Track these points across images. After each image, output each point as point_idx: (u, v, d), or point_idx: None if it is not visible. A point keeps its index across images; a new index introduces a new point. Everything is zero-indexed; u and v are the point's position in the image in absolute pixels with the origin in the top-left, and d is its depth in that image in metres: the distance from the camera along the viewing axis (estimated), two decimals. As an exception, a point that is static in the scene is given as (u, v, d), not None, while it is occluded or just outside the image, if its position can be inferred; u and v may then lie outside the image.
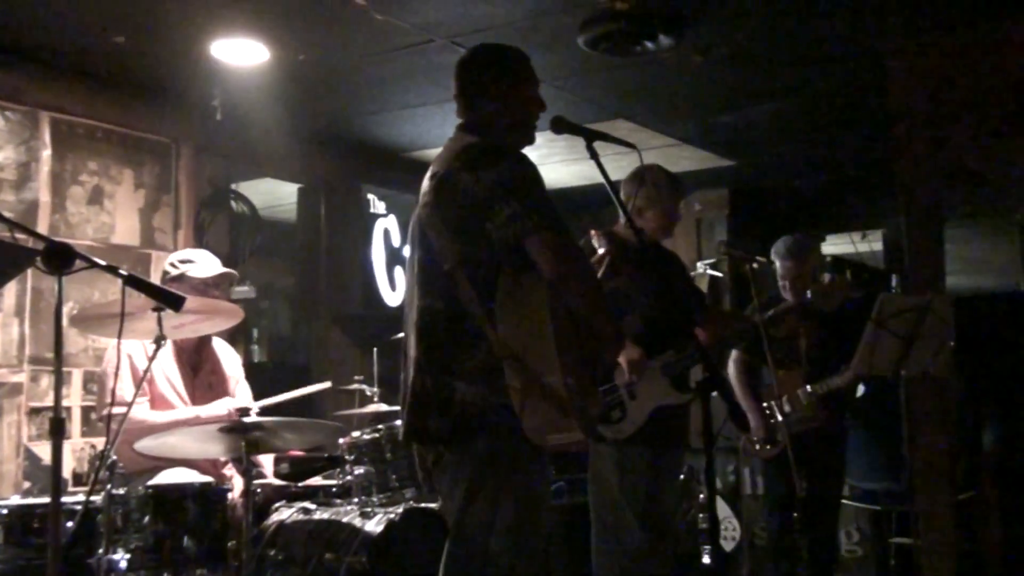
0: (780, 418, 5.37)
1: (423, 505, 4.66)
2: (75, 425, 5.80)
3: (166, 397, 4.72)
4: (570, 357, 3.03)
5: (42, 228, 5.58)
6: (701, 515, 7.13)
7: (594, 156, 3.32)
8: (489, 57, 3.51)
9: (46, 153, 5.77)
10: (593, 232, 4.44)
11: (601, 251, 4.37)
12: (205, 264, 4.85)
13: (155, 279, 5.49)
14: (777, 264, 5.60)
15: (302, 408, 4.97)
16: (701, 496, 7.10)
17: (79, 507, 3.89)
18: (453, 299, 3.12)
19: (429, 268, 3.24)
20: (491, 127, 3.40)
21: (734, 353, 5.77)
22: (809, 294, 5.41)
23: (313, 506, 4.79)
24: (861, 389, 6.49)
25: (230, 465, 4.86)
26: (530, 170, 3.17)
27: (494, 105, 3.42)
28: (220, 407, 4.71)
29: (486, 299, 3.06)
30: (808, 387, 5.39)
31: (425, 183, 3.33)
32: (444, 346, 3.13)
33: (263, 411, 4.92)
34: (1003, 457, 6.60)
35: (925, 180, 5.56)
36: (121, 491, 3.98)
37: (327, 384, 5.42)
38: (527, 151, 3.35)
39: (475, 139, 3.33)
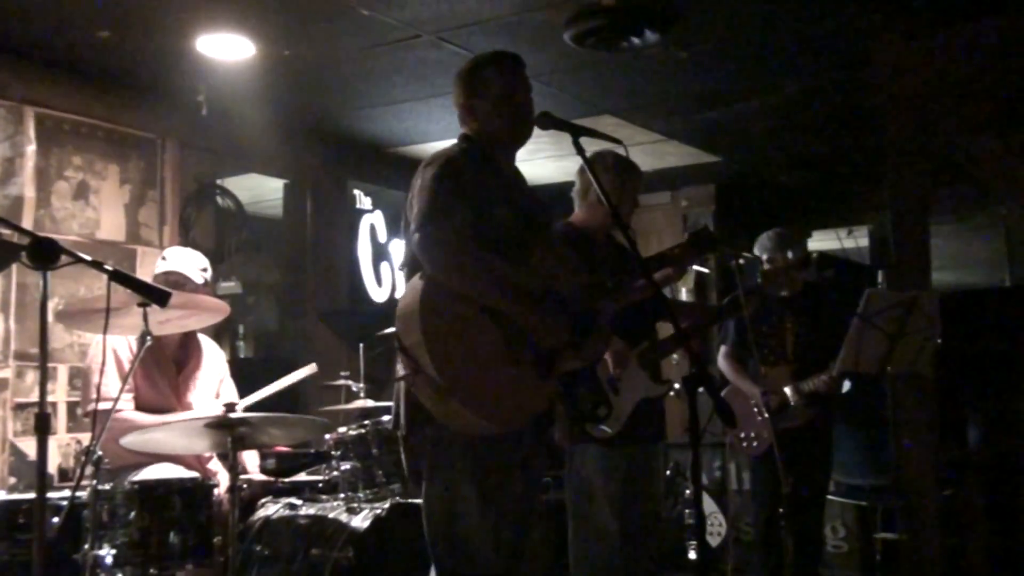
0: (767, 415, 5.37)
1: (409, 500, 4.66)
2: (60, 421, 5.79)
3: (151, 393, 4.71)
4: (468, 351, 3.14)
5: (27, 223, 5.56)
6: (687, 510, 7.16)
7: (580, 152, 3.33)
8: (466, 70, 3.59)
9: (31, 148, 5.75)
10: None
11: None
12: (165, 263, 4.87)
13: (140, 274, 5.48)
14: (763, 258, 5.62)
15: (288, 404, 4.96)
16: (687, 491, 7.12)
17: (65, 503, 3.88)
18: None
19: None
20: (475, 131, 3.52)
21: (723, 348, 5.79)
22: (759, 279, 5.45)
23: (299, 502, 4.79)
24: (847, 385, 6.50)
25: (216, 460, 4.85)
26: (445, 172, 3.27)
27: (471, 115, 3.53)
28: (208, 411, 4.72)
29: None
30: (795, 384, 5.40)
31: None
32: (400, 341, 3.25)
33: (251, 408, 4.93)
34: (988, 453, 6.62)
35: (911, 176, 5.57)
36: (107, 486, 3.97)
37: (312, 367, 5.40)
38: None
39: (452, 144, 3.46)
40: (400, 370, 3.23)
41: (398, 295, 5.36)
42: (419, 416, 3.22)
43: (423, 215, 3.17)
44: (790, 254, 5.59)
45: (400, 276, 7.79)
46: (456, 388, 3.08)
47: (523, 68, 3.59)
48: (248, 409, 4.92)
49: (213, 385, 4.96)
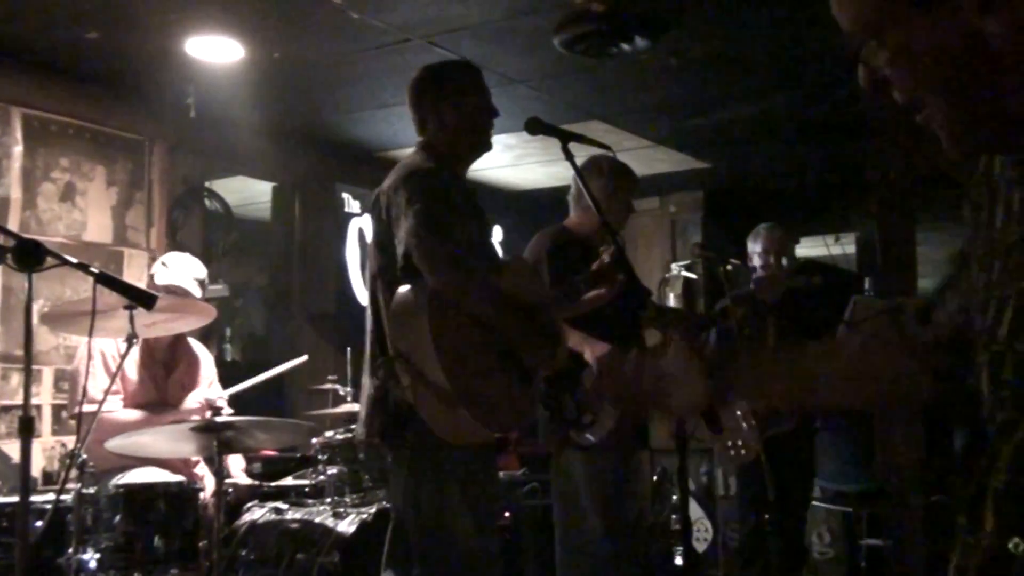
0: (752, 424, 5.37)
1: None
2: (45, 424, 5.76)
3: (139, 395, 4.70)
4: (469, 359, 3.23)
5: (13, 225, 5.53)
6: (674, 516, 7.15)
7: (569, 157, 3.35)
8: (429, 77, 3.71)
9: (17, 149, 5.73)
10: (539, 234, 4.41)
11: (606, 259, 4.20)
12: (168, 272, 4.85)
13: (127, 277, 5.47)
14: (755, 251, 5.65)
15: (275, 408, 4.95)
16: (674, 497, 7.12)
17: (48, 506, 3.86)
18: (377, 304, 3.42)
19: (368, 275, 3.55)
20: (439, 142, 3.60)
21: (704, 350, 5.78)
22: (752, 284, 5.46)
23: (285, 506, 4.78)
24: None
25: (202, 464, 4.84)
26: (432, 186, 3.35)
27: (436, 123, 3.63)
28: (191, 401, 4.72)
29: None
30: None
31: None
32: (375, 349, 3.39)
33: (235, 397, 4.93)
34: (973, 459, 6.63)
35: (897, 183, 5.59)
36: (91, 490, 3.96)
37: (304, 358, 5.42)
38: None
39: (417, 156, 3.55)
40: (383, 376, 3.28)
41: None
42: (398, 421, 3.30)
43: (424, 228, 3.22)
44: (783, 256, 5.62)
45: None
46: (464, 396, 3.14)
47: (482, 77, 3.66)
48: (233, 399, 4.93)
49: (202, 389, 4.95)
